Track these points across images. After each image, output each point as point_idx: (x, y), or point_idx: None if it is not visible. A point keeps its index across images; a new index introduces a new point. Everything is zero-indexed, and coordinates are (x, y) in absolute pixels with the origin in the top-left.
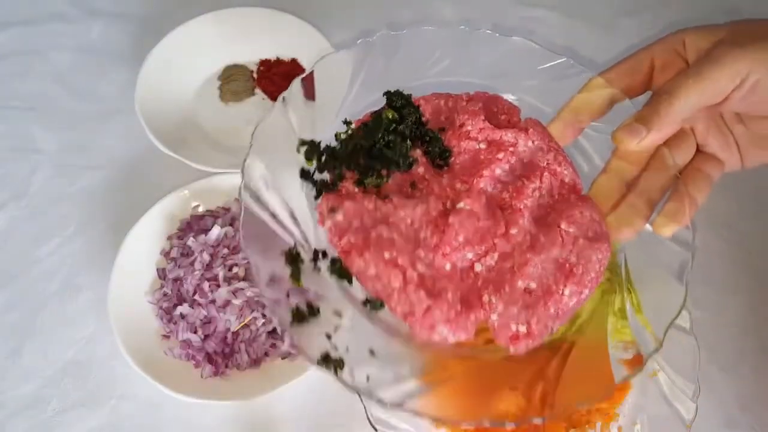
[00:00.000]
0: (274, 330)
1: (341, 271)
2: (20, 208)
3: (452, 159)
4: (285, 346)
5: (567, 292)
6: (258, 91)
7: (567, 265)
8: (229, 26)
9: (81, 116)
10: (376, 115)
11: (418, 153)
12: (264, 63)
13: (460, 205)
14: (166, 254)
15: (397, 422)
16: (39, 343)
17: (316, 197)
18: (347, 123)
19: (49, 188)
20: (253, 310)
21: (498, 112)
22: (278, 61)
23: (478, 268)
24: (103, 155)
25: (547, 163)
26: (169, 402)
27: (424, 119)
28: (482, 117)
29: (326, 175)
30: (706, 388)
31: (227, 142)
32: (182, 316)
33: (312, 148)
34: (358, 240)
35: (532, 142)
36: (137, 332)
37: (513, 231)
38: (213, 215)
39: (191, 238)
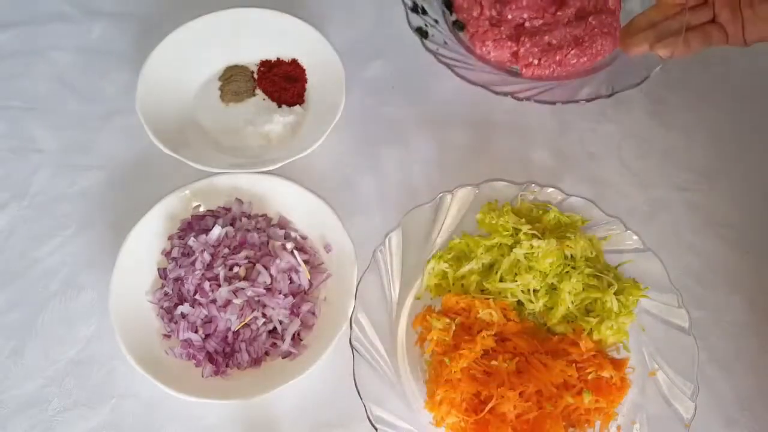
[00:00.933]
0: (275, 329)
1: (448, 4)
2: (21, 207)
3: None
4: (285, 346)
5: (572, 53)
6: (258, 91)
7: (580, 39)
8: (230, 27)
9: (82, 116)
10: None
11: None
12: (264, 63)
13: None
14: (167, 254)
15: (398, 421)
16: (40, 342)
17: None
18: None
19: (50, 188)
20: (253, 310)
21: None
22: (279, 62)
23: (526, 24)
24: (103, 155)
25: None
26: (170, 401)
27: None
28: None
29: None
30: (705, 387)
31: (227, 142)
32: (183, 316)
33: None
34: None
35: None
36: (138, 332)
37: (559, 13)
38: (214, 215)
39: (192, 238)
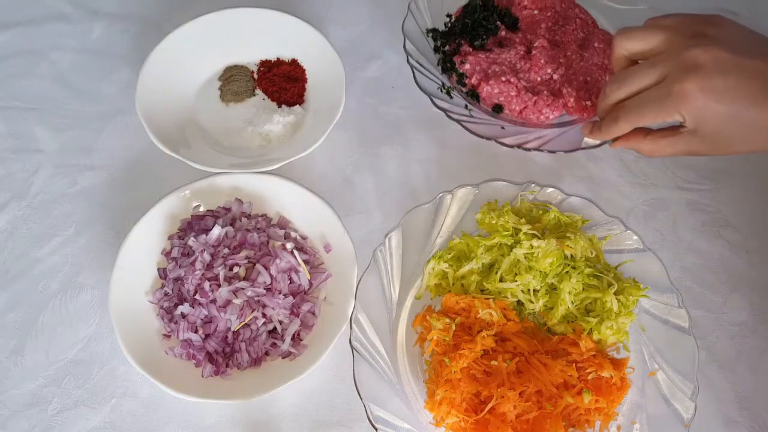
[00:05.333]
0: (275, 329)
1: (473, 94)
2: (22, 207)
3: (519, 23)
4: (285, 346)
5: (607, 78)
6: (258, 91)
7: (603, 63)
8: (230, 27)
9: (82, 116)
10: (468, 5)
11: (498, 24)
12: (264, 63)
13: (536, 44)
14: (166, 254)
15: (398, 421)
16: (40, 342)
17: (444, 63)
18: (449, 15)
19: (51, 188)
20: (253, 310)
21: None
22: (278, 62)
23: (555, 76)
24: (104, 155)
25: (576, 14)
26: (170, 401)
27: (494, 2)
28: None
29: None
30: (705, 387)
31: (228, 142)
32: (183, 316)
33: (436, 32)
34: (480, 75)
35: (563, 4)
36: (138, 332)
37: (568, 53)
38: (213, 215)
39: (192, 238)
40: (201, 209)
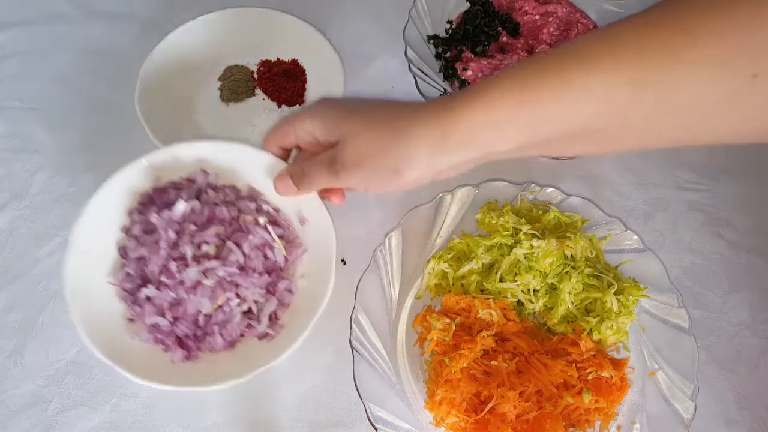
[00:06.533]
0: (249, 310)
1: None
2: (21, 208)
3: (521, 28)
4: (262, 327)
5: None
6: (258, 91)
7: None
8: (230, 27)
9: (82, 117)
10: (468, 11)
11: (500, 29)
12: (264, 63)
13: (537, 50)
14: (127, 231)
15: (398, 421)
16: (40, 342)
17: (446, 70)
18: (450, 21)
19: (50, 188)
20: (225, 290)
21: None
22: (278, 62)
23: None
24: (104, 155)
25: (578, 19)
26: (170, 401)
27: (495, 8)
28: (533, 0)
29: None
30: (705, 387)
31: None
32: (148, 299)
33: (437, 39)
34: None
35: (564, 9)
36: (99, 316)
37: None
38: (176, 187)
39: (154, 214)
40: (162, 181)
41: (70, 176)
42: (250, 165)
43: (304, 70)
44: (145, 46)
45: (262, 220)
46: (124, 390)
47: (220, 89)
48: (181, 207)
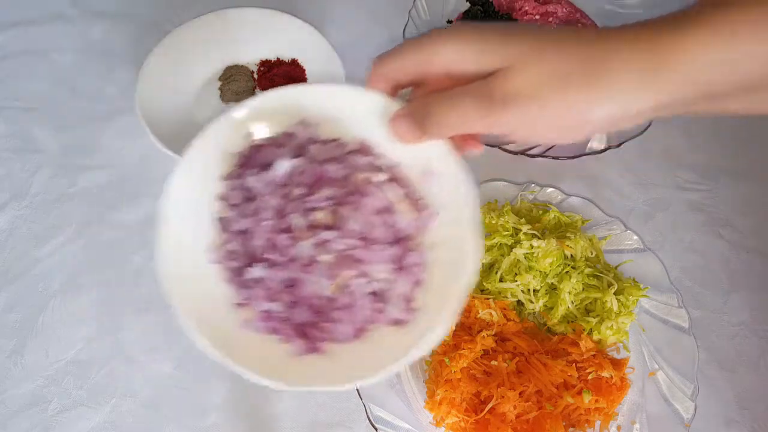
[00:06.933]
0: (375, 291)
1: None
2: (21, 207)
3: None
4: (395, 311)
5: None
6: (258, 91)
7: None
8: (230, 27)
9: (82, 116)
10: (468, 11)
11: None
12: (264, 63)
13: None
14: (224, 199)
15: (398, 421)
16: (40, 342)
17: None
18: (450, 21)
19: (50, 188)
20: (346, 267)
21: None
22: (278, 62)
23: None
24: (103, 155)
25: (578, 19)
26: (170, 401)
27: (495, 8)
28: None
29: None
30: (705, 387)
31: None
32: (257, 281)
33: None
34: None
35: (564, 9)
36: (202, 303)
37: None
38: (275, 144)
39: (250, 178)
40: (256, 137)
41: (70, 176)
42: (356, 110)
43: (304, 69)
44: (146, 45)
45: (380, 177)
46: (124, 390)
47: (220, 89)
48: (282, 166)
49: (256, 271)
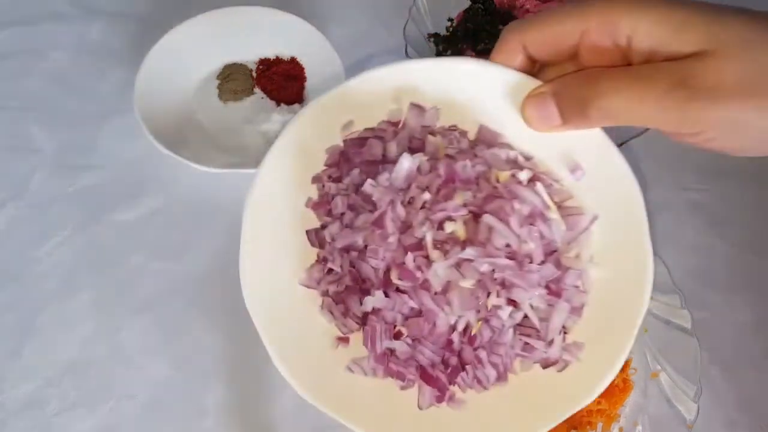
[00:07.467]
0: (526, 319)
1: None
2: (19, 208)
3: None
4: (552, 349)
5: None
6: (257, 89)
7: None
8: (228, 25)
9: (80, 116)
10: (469, 9)
11: (501, 28)
12: (263, 62)
13: None
14: (315, 206)
15: None
16: (38, 343)
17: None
18: (451, 20)
19: (48, 188)
20: (488, 293)
21: None
22: (278, 60)
23: None
24: (102, 155)
25: None
26: (169, 403)
27: (496, 6)
28: None
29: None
30: (707, 388)
31: (227, 141)
32: (375, 312)
33: (438, 37)
34: None
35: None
36: (293, 335)
37: None
38: (377, 136)
39: (370, 181)
40: (354, 128)
41: (69, 176)
42: (479, 90)
43: (303, 68)
44: (144, 44)
45: (524, 175)
46: (123, 392)
47: (219, 88)
48: (405, 165)
49: (374, 300)
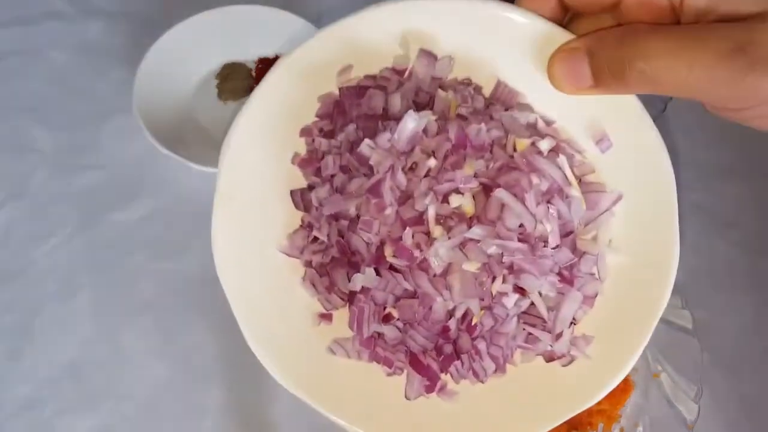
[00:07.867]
0: (532, 307)
1: None
2: (18, 208)
3: None
4: (560, 342)
5: None
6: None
7: None
8: (228, 24)
9: (79, 116)
10: None
11: None
12: (262, 61)
13: None
14: (302, 163)
15: None
16: (37, 344)
17: None
18: None
19: (48, 188)
20: (493, 278)
21: None
22: (277, 59)
23: None
24: (101, 155)
25: None
26: (167, 404)
27: None
28: None
29: None
30: (708, 389)
31: None
32: (364, 291)
33: None
34: None
35: None
36: (271, 312)
37: None
38: (379, 85)
39: (367, 141)
40: (353, 74)
41: (68, 176)
42: (500, 40)
43: None
44: (143, 43)
45: (545, 144)
46: (122, 392)
47: (218, 87)
48: (410, 125)
49: (364, 279)
